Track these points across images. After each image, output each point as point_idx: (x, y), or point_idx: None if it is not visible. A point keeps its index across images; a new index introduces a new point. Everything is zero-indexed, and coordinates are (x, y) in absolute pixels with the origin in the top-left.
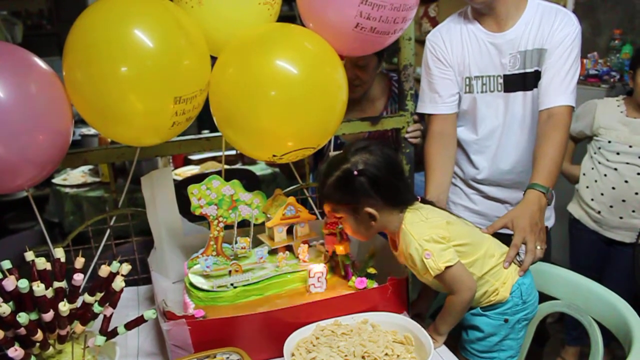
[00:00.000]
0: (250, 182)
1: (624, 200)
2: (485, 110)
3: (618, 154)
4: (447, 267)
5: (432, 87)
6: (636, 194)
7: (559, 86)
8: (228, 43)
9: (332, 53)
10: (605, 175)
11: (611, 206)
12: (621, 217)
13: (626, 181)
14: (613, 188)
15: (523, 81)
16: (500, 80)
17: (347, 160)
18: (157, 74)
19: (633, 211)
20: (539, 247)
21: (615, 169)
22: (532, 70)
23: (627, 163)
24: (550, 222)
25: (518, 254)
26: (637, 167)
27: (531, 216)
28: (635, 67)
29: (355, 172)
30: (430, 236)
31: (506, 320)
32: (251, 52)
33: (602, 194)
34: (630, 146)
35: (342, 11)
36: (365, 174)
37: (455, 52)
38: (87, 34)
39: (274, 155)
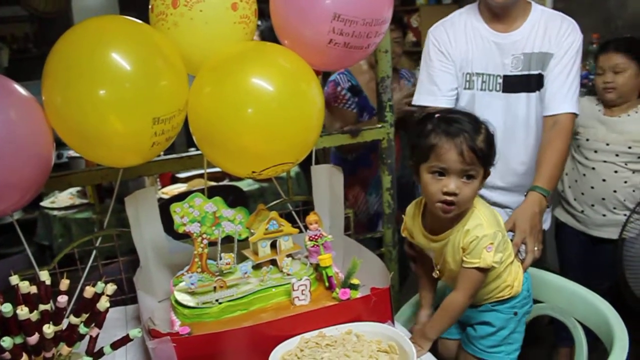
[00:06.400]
0: (238, 198)
1: (603, 199)
2: (483, 109)
3: (596, 152)
4: (483, 269)
5: (432, 79)
6: (614, 191)
7: (566, 93)
8: (205, 62)
9: (307, 69)
10: (584, 175)
11: (593, 205)
12: (604, 215)
13: (604, 180)
14: (592, 187)
15: (526, 83)
16: (500, 80)
17: (477, 119)
18: (135, 96)
19: (614, 208)
20: (536, 248)
21: (594, 168)
22: (536, 72)
23: (605, 161)
24: (546, 225)
25: (519, 251)
26: (614, 165)
27: (532, 218)
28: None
29: (492, 131)
30: (496, 231)
31: (515, 314)
32: (227, 71)
33: (582, 194)
34: (607, 144)
35: (316, 28)
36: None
37: (459, 47)
38: (65, 57)
39: (253, 172)
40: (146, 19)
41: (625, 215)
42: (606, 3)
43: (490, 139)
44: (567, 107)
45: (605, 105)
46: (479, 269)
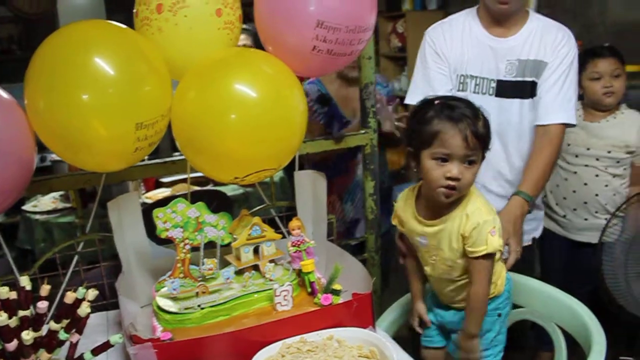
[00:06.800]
0: (222, 203)
1: (585, 203)
2: None
3: (577, 156)
4: (491, 254)
5: (427, 80)
6: (596, 195)
7: (560, 104)
8: (189, 68)
9: (291, 75)
10: (566, 179)
11: (575, 209)
12: (586, 219)
13: (585, 184)
14: (574, 191)
15: (520, 89)
16: (493, 85)
17: (474, 105)
18: (118, 101)
19: (596, 212)
20: (518, 249)
21: (575, 173)
22: (529, 80)
23: (586, 165)
24: (537, 233)
25: (501, 252)
26: (595, 169)
27: (515, 221)
28: (581, 72)
29: (487, 117)
30: (494, 217)
31: (499, 315)
32: (211, 77)
33: (564, 198)
34: (588, 149)
35: (299, 35)
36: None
37: (454, 48)
38: (49, 61)
39: (235, 177)
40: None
41: (606, 219)
42: (588, 11)
43: (487, 124)
44: (558, 118)
45: (592, 109)
46: (486, 255)
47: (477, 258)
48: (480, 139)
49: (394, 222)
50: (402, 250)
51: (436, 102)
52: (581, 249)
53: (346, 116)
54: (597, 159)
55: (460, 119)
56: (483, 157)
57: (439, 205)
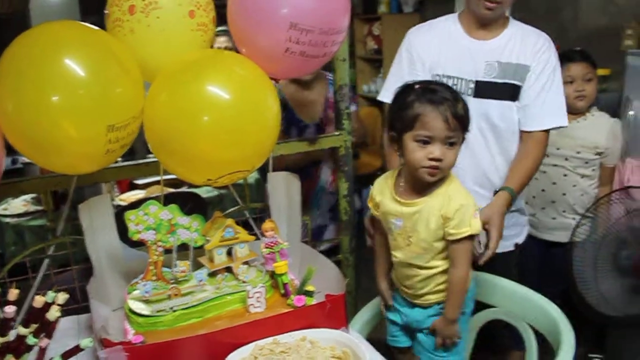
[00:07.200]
0: (196, 205)
1: (553, 202)
2: None
3: (547, 156)
4: (473, 236)
5: (399, 78)
6: (564, 194)
7: (548, 109)
8: (162, 69)
9: (264, 77)
10: (536, 178)
11: (543, 208)
12: (554, 218)
13: (554, 183)
14: (543, 190)
15: (501, 91)
16: (472, 85)
17: (452, 89)
18: (89, 103)
19: (564, 211)
20: (497, 242)
21: (545, 172)
22: (511, 82)
23: (555, 165)
24: (520, 239)
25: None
26: (564, 168)
27: (500, 213)
28: None
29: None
30: (473, 199)
31: (463, 313)
32: (184, 78)
33: (533, 197)
34: (558, 148)
35: (272, 36)
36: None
37: (432, 48)
38: (18, 62)
39: (209, 179)
40: None
41: (574, 219)
42: (560, 16)
43: (466, 106)
44: (544, 124)
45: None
46: (469, 237)
47: (459, 240)
48: (460, 121)
49: (370, 205)
50: (370, 232)
51: (417, 86)
52: (552, 249)
53: (304, 120)
54: (566, 159)
55: (440, 102)
56: (463, 139)
57: (420, 184)
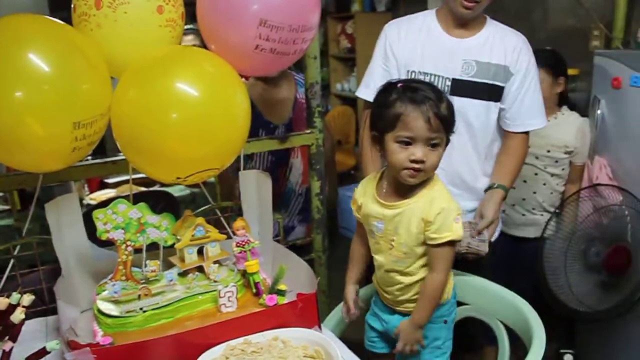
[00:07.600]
0: (169, 204)
1: (524, 199)
2: None
3: None
4: (454, 241)
5: (371, 75)
6: (534, 192)
7: (534, 111)
8: (129, 65)
9: (233, 74)
10: None
11: (513, 205)
12: (523, 215)
13: (525, 181)
14: (513, 188)
15: (479, 90)
16: (448, 83)
17: (436, 88)
18: (54, 99)
19: (533, 209)
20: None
21: None
22: (490, 82)
23: (526, 163)
24: (494, 237)
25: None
26: (534, 167)
27: (497, 206)
28: None
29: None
30: (457, 205)
31: (445, 322)
32: (152, 75)
33: None
34: (528, 147)
35: (242, 33)
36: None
37: (408, 44)
38: None
39: (178, 178)
40: None
41: (542, 215)
42: (529, 17)
43: (451, 106)
44: (526, 126)
45: None
46: (450, 242)
47: (439, 245)
48: (443, 121)
49: (353, 207)
50: (349, 305)
51: (399, 84)
52: (521, 244)
53: (273, 122)
54: (537, 158)
55: (422, 101)
56: (448, 141)
57: (402, 187)
